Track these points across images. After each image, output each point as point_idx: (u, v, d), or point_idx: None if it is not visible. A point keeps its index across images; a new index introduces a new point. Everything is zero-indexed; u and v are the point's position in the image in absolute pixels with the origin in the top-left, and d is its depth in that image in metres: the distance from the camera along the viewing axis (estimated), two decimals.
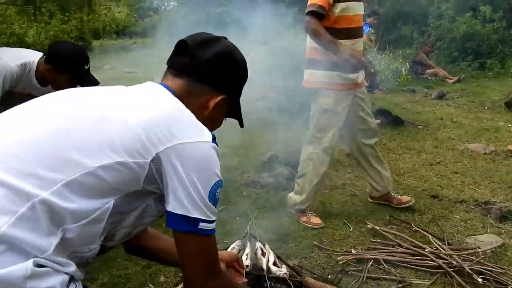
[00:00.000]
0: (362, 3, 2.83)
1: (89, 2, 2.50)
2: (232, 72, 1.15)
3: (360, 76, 2.91)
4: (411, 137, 5.08)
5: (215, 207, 1.02)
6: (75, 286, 0.94)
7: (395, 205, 3.17)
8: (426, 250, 2.54)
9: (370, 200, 3.30)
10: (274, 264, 1.77)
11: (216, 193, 1.01)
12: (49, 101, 1.04)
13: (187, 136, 0.97)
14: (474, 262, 2.38)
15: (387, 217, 3.07)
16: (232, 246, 1.89)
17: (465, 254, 2.47)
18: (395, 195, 3.22)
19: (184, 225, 0.97)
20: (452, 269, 2.34)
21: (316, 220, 2.96)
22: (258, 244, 1.89)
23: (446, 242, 2.70)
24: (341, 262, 2.49)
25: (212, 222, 1.02)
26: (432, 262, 2.43)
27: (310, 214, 3.00)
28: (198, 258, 1.02)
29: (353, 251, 2.58)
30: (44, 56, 2.38)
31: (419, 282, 2.34)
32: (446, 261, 2.41)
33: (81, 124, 0.95)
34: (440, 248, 2.56)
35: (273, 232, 2.87)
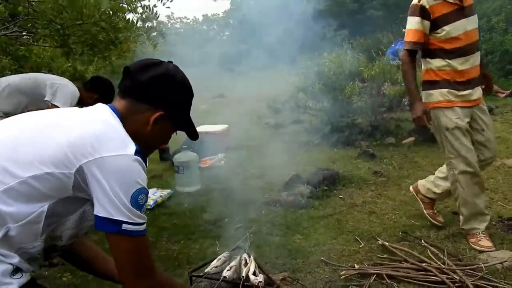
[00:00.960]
0: (472, 17, 2.74)
1: (114, 42, 2.82)
2: (169, 91, 1.30)
3: (476, 93, 2.80)
4: None
5: (140, 211, 1.16)
6: (21, 275, 1.14)
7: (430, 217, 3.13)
8: (431, 265, 2.49)
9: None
10: (254, 273, 1.88)
11: (139, 199, 1.15)
12: (13, 119, 1.28)
13: (108, 150, 1.13)
14: (477, 277, 2.31)
15: (400, 233, 3.04)
16: (219, 257, 2.02)
17: (470, 270, 2.40)
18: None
19: (108, 226, 1.13)
20: (455, 285, 2.29)
21: (485, 243, 2.74)
22: (244, 255, 2.00)
23: (457, 258, 2.63)
24: (343, 277, 2.52)
25: (137, 224, 1.16)
26: (435, 278, 2.39)
27: (482, 236, 2.79)
28: (126, 258, 1.16)
29: (357, 266, 2.60)
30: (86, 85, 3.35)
31: None
32: (449, 276, 2.36)
33: (21, 141, 1.16)
34: (446, 264, 2.50)
35: (283, 248, 2.96)
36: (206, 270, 1.92)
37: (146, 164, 1.21)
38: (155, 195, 3.96)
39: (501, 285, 2.27)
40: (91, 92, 3.30)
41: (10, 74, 5.00)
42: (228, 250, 2.09)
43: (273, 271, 2.42)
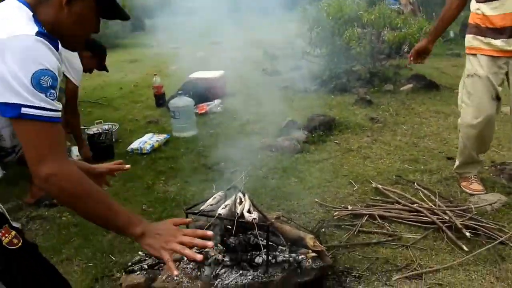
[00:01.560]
0: None
1: None
2: None
3: None
4: (443, 101, 4.91)
5: (46, 95, 1.07)
6: None
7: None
8: (422, 206, 2.55)
9: None
10: (249, 211, 1.91)
11: (42, 80, 1.05)
12: None
13: (6, 33, 1.06)
14: (467, 218, 2.37)
15: (394, 177, 3.08)
16: (214, 196, 2.05)
17: (460, 211, 2.46)
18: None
19: (8, 111, 1.05)
20: (444, 225, 2.35)
21: (476, 187, 2.80)
22: (239, 194, 2.03)
23: (448, 200, 2.69)
24: (336, 218, 2.58)
25: (41, 108, 1.06)
26: (426, 218, 2.46)
27: (473, 180, 2.84)
28: (29, 143, 1.08)
29: (350, 207, 2.66)
30: None
31: (411, 236, 2.38)
32: (439, 217, 2.42)
33: None
34: (437, 205, 2.56)
35: (279, 190, 3.02)
36: (201, 208, 1.95)
37: (57, 50, 1.13)
38: (151, 139, 3.96)
39: (489, 225, 2.34)
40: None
41: None
42: (223, 190, 2.12)
43: (268, 211, 2.48)
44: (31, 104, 1.05)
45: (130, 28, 13.85)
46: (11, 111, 1.05)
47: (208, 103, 5.06)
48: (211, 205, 1.98)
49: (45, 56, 1.07)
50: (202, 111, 4.86)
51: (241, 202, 1.98)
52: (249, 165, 3.36)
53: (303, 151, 3.67)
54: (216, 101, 5.12)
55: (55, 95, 1.10)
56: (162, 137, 4.07)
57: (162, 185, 3.22)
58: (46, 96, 1.07)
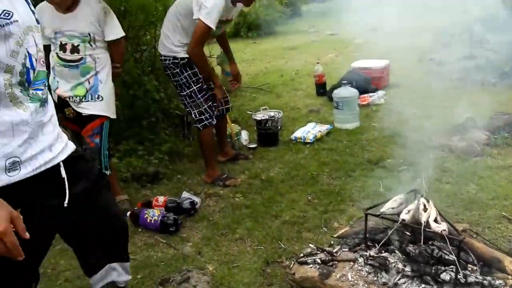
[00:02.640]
0: None
1: None
2: None
3: None
4: None
5: None
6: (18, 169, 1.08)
7: None
8: None
9: None
10: (435, 220, 1.77)
11: None
12: None
13: None
14: None
15: None
16: (394, 198, 1.95)
17: None
18: None
19: None
20: None
21: None
22: (422, 200, 1.89)
23: None
24: None
25: None
26: None
27: None
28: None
29: None
30: None
31: None
32: None
33: None
34: None
35: (455, 197, 2.75)
36: (381, 210, 1.87)
37: None
38: (314, 129, 3.99)
39: None
40: None
41: None
42: (402, 192, 2.00)
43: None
44: None
45: (288, 15, 14.21)
46: None
47: (371, 94, 4.87)
48: (391, 208, 1.90)
49: None
50: (364, 103, 4.71)
51: (425, 208, 1.85)
52: (418, 166, 3.14)
53: (484, 154, 3.27)
54: (380, 92, 4.89)
55: None
56: (324, 127, 4.06)
57: (326, 177, 3.22)
58: None
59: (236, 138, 3.89)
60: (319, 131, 3.97)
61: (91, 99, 2.64)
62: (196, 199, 2.96)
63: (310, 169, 3.35)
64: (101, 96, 2.66)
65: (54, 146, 1.21)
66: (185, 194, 3.02)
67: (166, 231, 2.65)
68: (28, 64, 1.11)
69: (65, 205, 1.22)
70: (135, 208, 2.85)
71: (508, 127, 3.57)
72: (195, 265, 2.32)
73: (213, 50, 5.20)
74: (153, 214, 2.69)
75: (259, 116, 4.06)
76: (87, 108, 2.64)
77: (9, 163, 1.07)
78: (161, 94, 3.99)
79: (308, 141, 3.84)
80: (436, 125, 3.93)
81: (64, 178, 1.22)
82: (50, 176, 1.19)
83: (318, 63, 5.55)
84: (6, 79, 1.05)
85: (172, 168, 3.55)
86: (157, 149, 3.60)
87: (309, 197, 2.95)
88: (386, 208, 1.90)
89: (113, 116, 2.75)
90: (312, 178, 3.22)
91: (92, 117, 2.65)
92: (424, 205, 1.86)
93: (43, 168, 1.15)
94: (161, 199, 2.90)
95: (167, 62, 3.06)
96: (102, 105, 2.67)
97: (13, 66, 1.06)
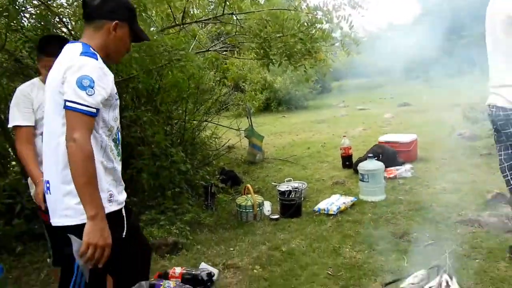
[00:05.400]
0: None
1: (310, 52, 2.95)
2: (116, 5, 1.64)
3: None
4: None
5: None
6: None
7: None
8: None
9: None
10: None
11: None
12: None
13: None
14: None
15: None
16: (415, 274, 1.89)
17: None
18: None
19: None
20: None
21: None
22: (445, 277, 1.82)
23: None
24: None
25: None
26: None
27: None
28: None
29: None
30: None
31: None
32: None
33: None
34: None
35: (485, 274, 2.61)
36: (401, 286, 1.81)
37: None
38: (338, 201, 3.97)
39: None
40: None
41: (215, 85, 5.74)
42: (423, 267, 1.93)
43: None
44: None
45: (318, 91, 14.71)
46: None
47: (398, 167, 4.85)
48: (412, 283, 1.83)
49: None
50: (391, 175, 4.67)
51: (448, 286, 1.77)
52: (446, 241, 3.03)
53: None
54: (407, 166, 4.86)
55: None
56: (349, 199, 4.03)
57: (349, 250, 3.14)
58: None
59: (258, 208, 3.90)
60: (344, 203, 3.94)
61: None
62: (214, 271, 2.94)
63: (332, 242, 3.29)
64: None
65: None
66: (203, 265, 3.01)
67: None
68: (119, 127, 1.68)
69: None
70: (152, 280, 2.84)
71: None
72: None
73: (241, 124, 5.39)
74: (169, 286, 2.67)
75: (283, 187, 4.09)
76: None
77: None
78: (188, 165, 4.12)
79: (332, 212, 3.81)
80: (464, 200, 3.84)
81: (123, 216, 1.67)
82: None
83: (344, 136, 5.63)
84: (107, 135, 1.58)
85: (192, 238, 3.56)
86: (179, 219, 3.65)
87: (329, 270, 2.87)
88: (407, 283, 1.84)
89: None
90: (334, 251, 3.14)
91: None
92: (447, 282, 1.79)
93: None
94: (178, 270, 2.89)
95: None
96: None
97: (113, 128, 1.61)
